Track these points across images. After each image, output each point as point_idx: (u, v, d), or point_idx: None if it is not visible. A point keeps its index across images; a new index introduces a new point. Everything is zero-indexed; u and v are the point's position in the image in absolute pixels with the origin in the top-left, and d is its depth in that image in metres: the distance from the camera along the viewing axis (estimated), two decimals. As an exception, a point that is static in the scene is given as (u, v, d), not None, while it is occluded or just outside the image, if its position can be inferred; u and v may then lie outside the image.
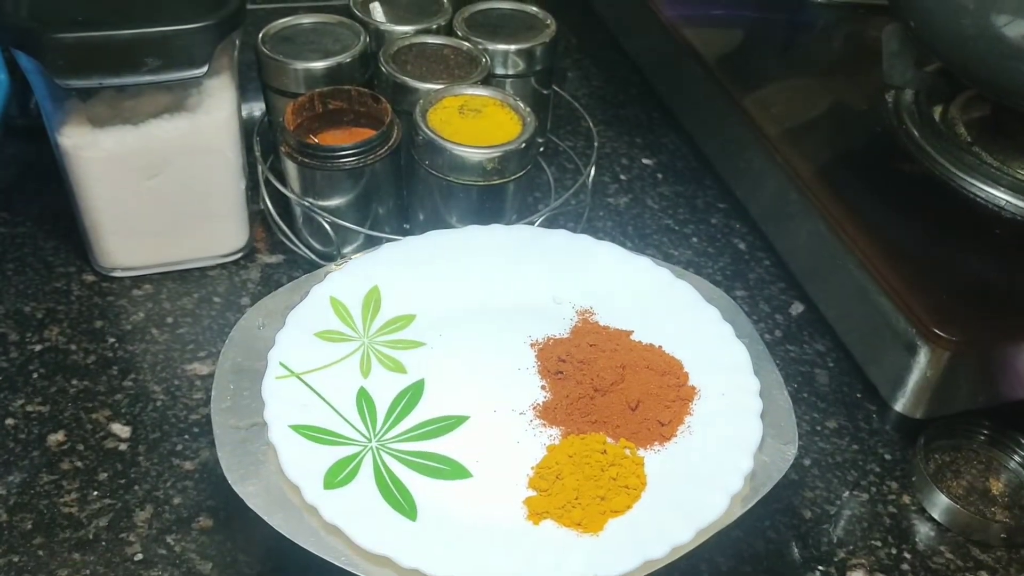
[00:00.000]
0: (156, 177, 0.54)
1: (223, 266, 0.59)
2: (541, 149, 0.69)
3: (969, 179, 0.57)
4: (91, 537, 0.45)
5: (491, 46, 0.62)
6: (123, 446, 0.49)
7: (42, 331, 0.55)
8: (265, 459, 0.41)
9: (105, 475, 0.48)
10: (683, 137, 0.73)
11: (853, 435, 0.53)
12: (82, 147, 0.52)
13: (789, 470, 0.42)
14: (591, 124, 0.68)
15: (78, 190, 0.54)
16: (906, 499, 0.50)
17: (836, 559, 0.47)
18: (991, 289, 0.52)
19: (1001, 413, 0.52)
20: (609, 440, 0.43)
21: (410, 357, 0.48)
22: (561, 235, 0.53)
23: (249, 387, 0.44)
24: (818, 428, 0.53)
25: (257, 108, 0.66)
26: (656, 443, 0.44)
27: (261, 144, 0.61)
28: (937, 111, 0.62)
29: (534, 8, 0.66)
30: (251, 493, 0.40)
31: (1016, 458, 0.51)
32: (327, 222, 0.56)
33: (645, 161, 0.71)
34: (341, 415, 0.44)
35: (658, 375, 0.46)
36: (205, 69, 0.50)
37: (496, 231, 0.53)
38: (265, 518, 0.39)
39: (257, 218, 0.62)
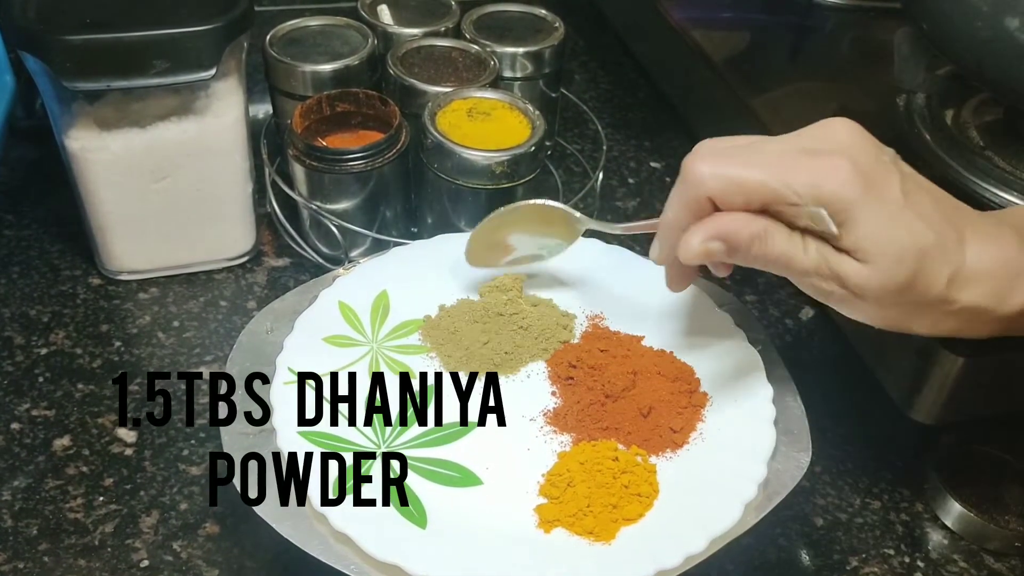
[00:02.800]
0: (163, 180, 0.54)
1: (230, 269, 0.59)
2: (549, 152, 0.68)
3: (981, 183, 0.56)
4: (97, 543, 0.45)
5: (499, 49, 0.62)
6: (129, 451, 0.49)
7: (48, 334, 0.54)
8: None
9: (111, 480, 0.47)
10: (692, 140, 0.72)
11: (865, 442, 0.52)
12: (89, 150, 0.52)
13: (801, 478, 0.42)
14: (599, 127, 0.68)
15: (85, 193, 0.54)
16: (919, 507, 0.49)
17: (848, 567, 0.46)
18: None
19: (1015, 420, 0.51)
20: (621, 447, 0.43)
21: (419, 362, 0.47)
22: (570, 239, 0.53)
23: (257, 392, 0.44)
24: (829, 435, 0.52)
25: (264, 110, 0.65)
26: (668, 450, 0.43)
27: (268, 147, 0.61)
28: (949, 115, 0.62)
29: (542, 11, 0.66)
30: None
31: (1030, 465, 0.50)
32: (335, 225, 0.56)
33: (653, 164, 0.71)
34: (350, 421, 0.44)
35: (669, 381, 0.45)
36: (213, 72, 0.50)
37: (505, 235, 0.53)
38: (274, 525, 0.39)
39: (264, 221, 0.61)
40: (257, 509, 0.39)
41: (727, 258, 0.38)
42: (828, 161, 0.36)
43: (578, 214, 0.48)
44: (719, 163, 0.38)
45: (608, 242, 0.53)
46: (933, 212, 0.37)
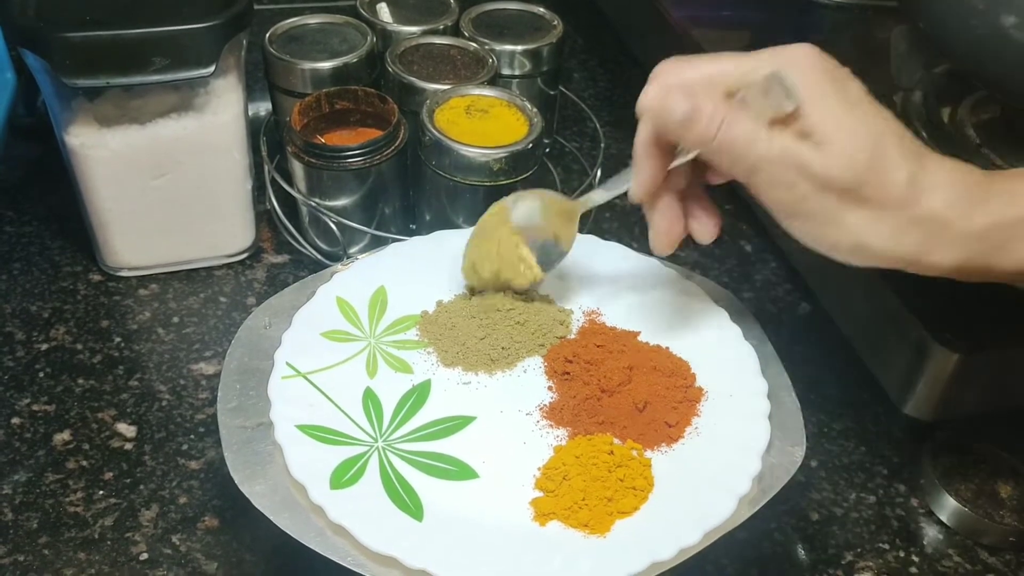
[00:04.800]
0: (163, 177, 0.54)
1: (229, 266, 0.59)
2: (547, 150, 0.69)
3: (978, 181, 0.56)
4: (96, 536, 0.45)
5: (498, 46, 0.62)
6: (129, 445, 0.49)
7: (48, 330, 0.55)
8: (271, 459, 0.41)
9: (111, 474, 0.48)
10: (690, 138, 0.73)
11: (860, 437, 0.53)
12: (89, 146, 0.52)
13: (796, 472, 0.42)
14: (597, 125, 0.68)
15: (85, 190, 0.54)
16: (914, 502, 0.50)
17: (843, 562, 0.47)
18: (1001, 292, 0.51)
19: (1009, 416, 0.51)
20: (616, 441, 0.43)
21: (416, 357, 0.48)
22: (568, 236, 0.53)
23: (255, 387, 0.44)
24: (825, 430, 0.53)
25: (263, 108, 0.66)
26: (663, 444, 0.43)
27: (267, 144, 0.61)
28: (946, 113, 0.62)
29: (541, 9, 0.66)
30: (257, 493, 0.40)
31: (1025, 461, 0.51)
32: (333, 222, 0.56)
33: (652, 162, 0.71)
34: (347, 415, 0.44)
35: (665, 376, 0.46)
36: (212, 69, 0.50)
37: (503, 231, 0.53)
38: (271, 518, 0.39)
39: (263, 218, 0.62)
40: (255, 502, 0.39)
41: (686, 134, 0.38)
42: (791, 48, 0.38)
43: (565, 200, 0.49)
44: (678, 68, 0.39)
45: (605, 239, 0.53)
46: (890, 120, 0.38)
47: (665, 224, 0.43)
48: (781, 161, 0.37)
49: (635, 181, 0.42)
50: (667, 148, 0.41)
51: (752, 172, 0.38)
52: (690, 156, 0.40)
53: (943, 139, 0.59)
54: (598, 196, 0.47)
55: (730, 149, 0.38)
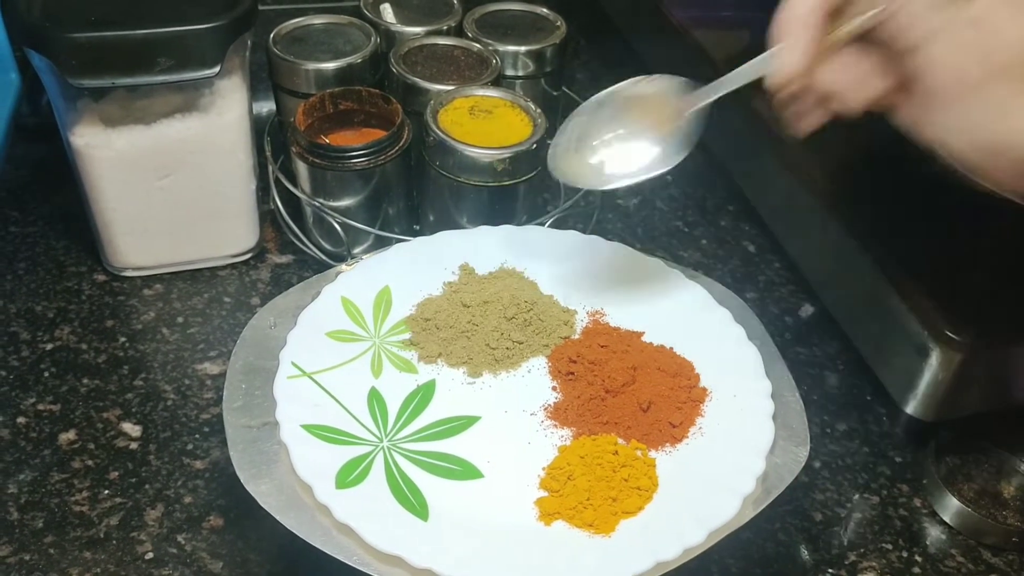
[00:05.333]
0: (167, 177, 0.54)
1: (233, 266, 0.60)
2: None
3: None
4: (102, 536, 0.45)
5: (501, 47, 0.62)
6: (134, 445, 0.49)
7: (53, 330, 0.55)
8: (277, 458, 0.41)
9: (116, 474, 0.48)
10: (692, 139, 0.73)
11: (864, 437, 0.53)
12: (94, 147, 0.52)
13: (800, 472, 0.42)
14: (601, 125, 0.68)
15: (90, 190, 0.54)
16: (917, 502, 0.50)
17: (847, 562, 0.47)
18: (1003, 292, 0.52)
19: (1012, 416, 0.52)
20: (620, 441, 0.43)
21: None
22: (571, 236, 0.53)
23: (261, 386, 0.44)
24: (828, 430, 0.53)
25: (267, 108, 0.66)
26: (668, 444, 0.44)
27: (272, 144, 0.62)
28: (948, 113, 0.62)
29: (544, 9, 0.66)
30: (263, 492, 0.40)
31: (1027, 461, 0.51)
32: (337, 222, 0.56)
33: (654, 163, 0.71)
34: (352, 415, 0.44)
35: (669, 376, 0.46)
36: (217, 69, 0.50)
37: (506, 232, 0.53)
38: (277, 517, 0.39)
39: (267, 218, 0.62)
40: (261, 502, 0.39)
41: None
42: None
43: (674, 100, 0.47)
44: None
45: (609, 239, 0.54)
46: None
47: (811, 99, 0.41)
48: (951, 37, 0.35)
49: (792, 52, 0.39)
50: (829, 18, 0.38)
51: (921, 45, 0.36)
52: (858, 22, 0.38)
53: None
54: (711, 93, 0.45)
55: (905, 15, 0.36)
